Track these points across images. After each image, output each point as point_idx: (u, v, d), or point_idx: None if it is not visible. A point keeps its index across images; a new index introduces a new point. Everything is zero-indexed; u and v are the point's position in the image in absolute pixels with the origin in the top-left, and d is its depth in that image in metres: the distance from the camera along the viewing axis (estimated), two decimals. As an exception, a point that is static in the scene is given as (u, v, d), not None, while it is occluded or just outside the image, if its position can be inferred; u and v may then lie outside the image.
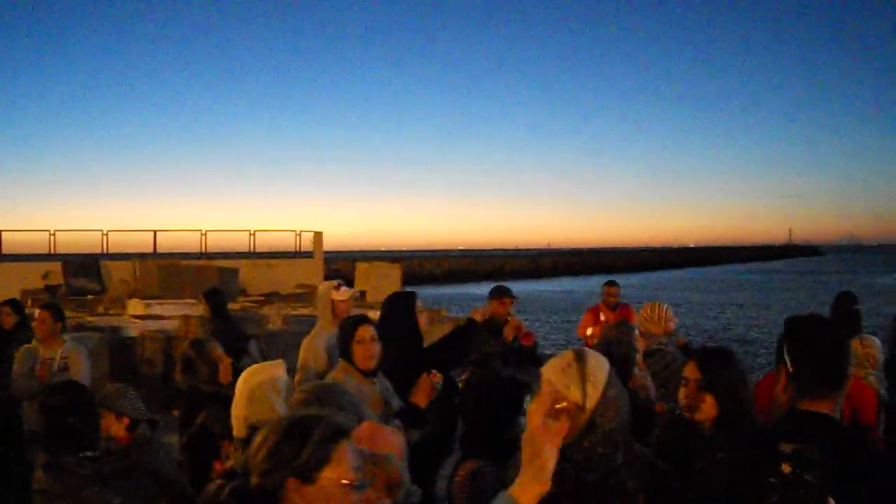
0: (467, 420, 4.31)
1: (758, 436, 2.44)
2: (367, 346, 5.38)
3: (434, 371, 5.43)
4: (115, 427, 4.82)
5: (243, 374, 4.19)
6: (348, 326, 5.48)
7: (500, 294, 8.06)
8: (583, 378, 2.84)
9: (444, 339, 6.41)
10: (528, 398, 4.11)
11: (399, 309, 6.26)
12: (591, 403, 2.81)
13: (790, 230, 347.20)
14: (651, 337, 6.24)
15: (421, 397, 5.34)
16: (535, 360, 7.72)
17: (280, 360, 4.38)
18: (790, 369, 2.83)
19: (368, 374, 5.33)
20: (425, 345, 6.25)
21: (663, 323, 6.34)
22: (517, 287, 10.62)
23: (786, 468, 1.93)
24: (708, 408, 3.77)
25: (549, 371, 2.91)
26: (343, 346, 5.45)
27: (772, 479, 1.93)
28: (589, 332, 11.06)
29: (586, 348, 3.07)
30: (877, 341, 6.58)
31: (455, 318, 15.00)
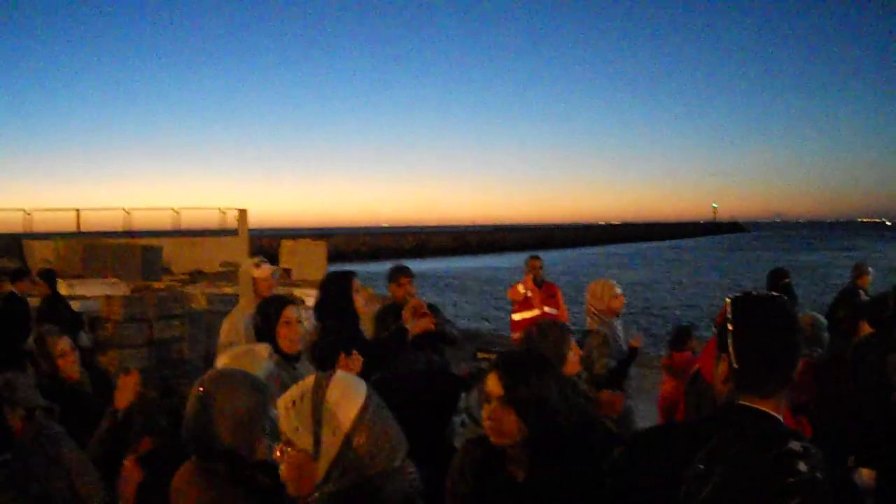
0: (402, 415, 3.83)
1: (763, 434, 2.15)
2: (294, 328, 5.18)
3: (354, 352, 5.10)
4: (14, 419, 4.30)
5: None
6: (273, 306, 5.28)
7: (395, 275, 7.65)
8: (316, 419, 2.30)
9: (383, 341, 6.12)
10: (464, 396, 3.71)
11: (336, 289, 6.10)
12: (328, 452, 2.27)
13: (715, 207, 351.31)
14: (597, 315, 6.27)
15: None
16: (447, 339, 7.23)
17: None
18: (734, 364, 2.48)
19: (291, 359, 5.09)
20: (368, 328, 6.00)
21: (606, 299, 6.27)
22: (442, 264, 10.78)
23: (801, 467, 1.87)
24: (510, 429, 3.14)
25: (279, 406, 2.39)
26: (265, 327, 5.18)
27: (791, 479, 1.84)
28: (517, 317, 11.06)
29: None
30: (823, 320, 6.67)
31: (384, 297, 15.00)
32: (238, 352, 4.11)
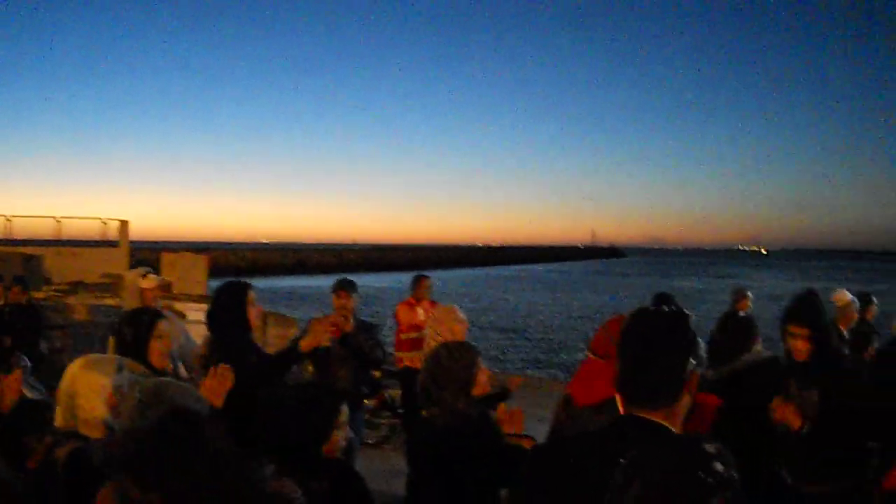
0: (274, 431, 3.63)
1: (677, 439, 2.25)
2: (166, 342, 5.07)
3: (223, 365, 4.70)
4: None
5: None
6: (145, 319, 5.10)
7: (336, 288, 7.88)
8: None
9: (276, 354, 5.95)
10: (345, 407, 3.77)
11: (230, 300, 5.83)
12: None
13: (593, 231, 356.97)
14: (437, 339, 6.00)
15: (214, 396, 4.54)
16: (374, 360, 7.58)
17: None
18: (620, 377, 2.62)
19: (159, 374, 4.69)
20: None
21: (449, 324, 6.08)
22: (323, 281, 10.97)
23: (718, 467, 1.89)
24: None
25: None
26: (136, 340, 4.98)
27: (710, 480, 1.86)
28: (405, 336, 10.75)
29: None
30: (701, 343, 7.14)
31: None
32: (93, 359, 3.85)
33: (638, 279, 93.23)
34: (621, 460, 2.01)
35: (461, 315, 6.11)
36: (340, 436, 3.66)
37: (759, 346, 5.97)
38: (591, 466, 2.45)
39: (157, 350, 4.99)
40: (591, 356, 4.37)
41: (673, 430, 2.50)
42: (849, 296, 9.70)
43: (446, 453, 4.15)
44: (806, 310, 5.51)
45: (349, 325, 7.39)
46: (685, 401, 2.56)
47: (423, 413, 4.40)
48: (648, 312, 2.71)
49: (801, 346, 5.38)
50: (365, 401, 8.84)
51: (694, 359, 2.56)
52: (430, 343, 5.92)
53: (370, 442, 10.18)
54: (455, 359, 4.39)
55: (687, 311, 2.70)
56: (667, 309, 2.72)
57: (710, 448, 1.93)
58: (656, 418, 2.51)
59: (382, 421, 10.93)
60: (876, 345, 9.59)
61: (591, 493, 2.26)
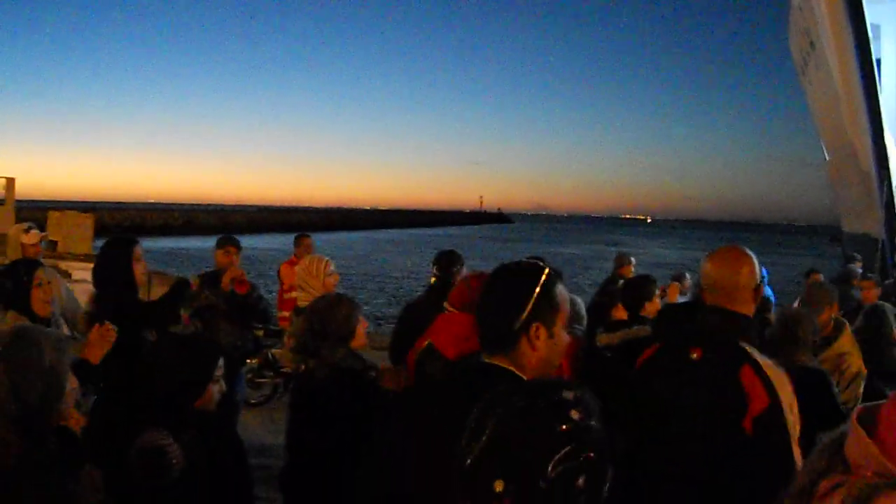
0: (151, 383, 3.65)
1: (536, 385, 2.13)
2: (47, 290, 5.18)
3: (107, 322, 4.62)
4: None
5: None
6: (22, 268, 5.19)
7: (223, 244, 7.81)
8: None
9: (163, 297, 5.99)
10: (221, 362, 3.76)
11: (115, 255, 5.75)
12: None
13: (481, 197, 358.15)
14: (310, 292, 6.09)
15: (93, 352, 4.48)
16: (259, 315, 7.66)
17: None
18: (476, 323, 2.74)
19: (42, 322, 4.92)
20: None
21: (322, 277, 6.15)
22: (208, 243, 10.56)
23: (574, 415, 1.88)
24: None
25: None
26: (16, 291, 5.12)
27: (564, 427, 1.85)
28: (288, 296, 10.49)
29: None
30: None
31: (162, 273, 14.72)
32: None
33: (523, 245, 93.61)
34: (478, 404, 2.01)
35: (331, 268, 6.17)
36: (215, 389, 3.68)
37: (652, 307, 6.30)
38: (446, 412, 2.48)
39: (38, 298, 5.09)
40: (448, 307, 4.70)
41: (522, 376, 2.59)
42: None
43: (326, 405, 4.25)
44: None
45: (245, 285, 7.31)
46: (529, 350, 2.65)
47: (303, 366, 4.45)
48: (507, 265, 2.84)
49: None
50: (248, 360, 8.91)
51: (536, 312, 2.64)
52: (301, 295, 6.03)
53: (253, 402, 10.17)
54: (335, 311, 4.47)
55: (555, 269, 2.80)
56: (520, 264, 2.85)
57: (568, 395, 1.92)
58: (502, 363, 2.63)
59: (265, 380, 10.92)
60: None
61: (447, 438, 2.26)
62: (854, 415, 2.66)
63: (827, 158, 21.65)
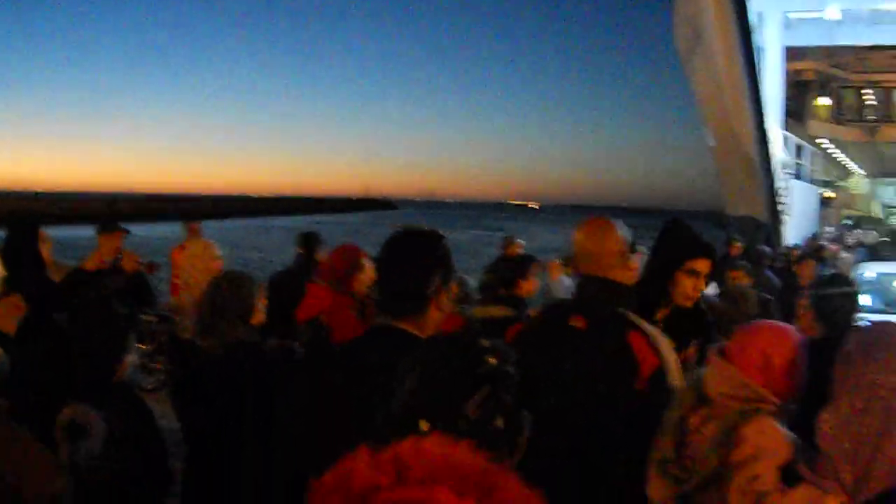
0: (69, 358, 3.72)
1: (455, 335, 2.36)
2: None
3: (15, 294, 4.84)
4: None
5: None
6: None
7: (109, 229, 7.50)
8: None
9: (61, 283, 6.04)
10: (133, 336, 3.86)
11: (22, 235, 5.78)
12: None
13: (366, 184, 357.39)
14: (195, 275, 6.04)
15: (4, 322, 4.64)
16: (149, 296, 7.75)
17: None
18: (377, 288, 2.92)
19: None
20: None
21: (206, 261, 6.06)
22: (88, 231, 10.20)
23: (492, 360, 1.98)
24: None
25: None
26: None
27: (480, 371, 1.96)
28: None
29: None
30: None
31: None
32: None
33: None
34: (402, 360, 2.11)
35: (216, 251, 6.18)
36: (130, 359, 3.75)
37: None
38: (349, 373, 2.70)
39: None
40: (316, 281, 4.94)
41: (420, 336, 2.73)
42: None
43: (227, 382, 4.26)
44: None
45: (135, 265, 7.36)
46: (435, 314, 2.85)
47: (202, 344, 4.45)
48: (402, 233, 2.99)
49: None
50: (140, 345, 8.94)
51: (442, 277, 2.84)
52: (187, 280, 6.07)
53: (148, 387, 10.06)
54: (237, 288, 4.54)
55: (441, 233, 2.98)
56: (422, 231, 3.02)
57: (484, 343, 2.04)
58: (406, 327, 2.78)
59: (158, 366, 10.84)
60: None
61: (352, 397, 2.56)
62: (712, 351, 3.03)
63: (712, 144, 22.15)
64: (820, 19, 25.77)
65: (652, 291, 4.14)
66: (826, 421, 2.55)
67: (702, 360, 3.46)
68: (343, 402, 2.64)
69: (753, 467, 2.73)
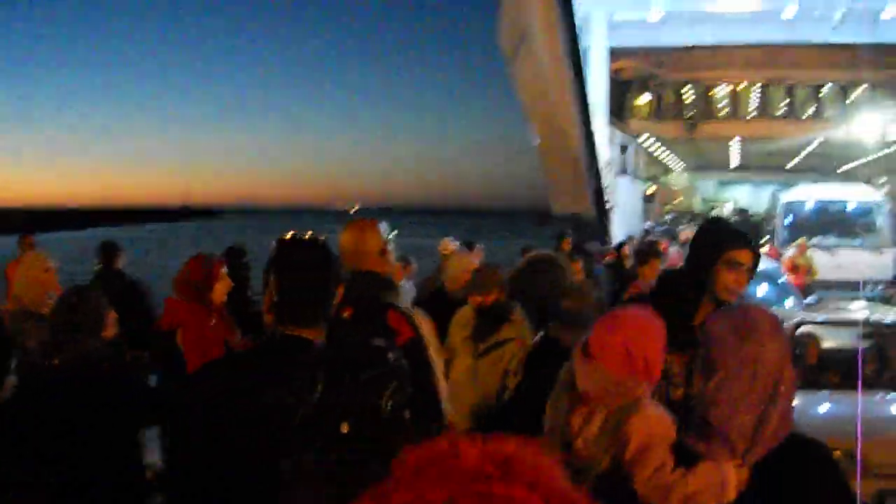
0: None
1: (350, 341, 2.54)
2: None
3: None
4: None
5: None
6: None
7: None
8: None
9: None
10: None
11: None
12: None
13: (186, 191, 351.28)
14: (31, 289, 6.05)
15: None
16: None
17: None
18: (274, 299, 2.88)
19: None
20: None
21: (40, 274, 6.03)
22: None
23: (391, 356, 2.12)
24: None
25: None
26: None
27: (386, 368, 2.07)
28: None
29: None
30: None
31: None
32: None
33: (237, 237, 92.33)
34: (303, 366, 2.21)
35: (49, 263, 6.12)
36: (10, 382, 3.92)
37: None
38: (247, 383, 2.73)
39: None
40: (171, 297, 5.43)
41: (317, 344, 2.81)
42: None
43: (85, 397, 4.10)
44: None
45: None
46: (324, 322, 2.94)
47: (55, 361, 4.26)
48: (292, 242, 3.09)
49: None
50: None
51: (335, 285, 2.98)
52: (19, 293, 5.95)
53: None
54: (87, 301, 4.45)
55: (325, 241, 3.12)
56: (307, 239, 3.13)
57: (379, 342, 2.19)
58: (307, 335, 2.84)
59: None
60: None
61: (253, 408, 2.59)
62: (577, 348, 3.06)
63: (536, 143, 22.51)
64: (643, 21, 26.57)
65: (690, 287, 3.87)
66: (722, 399, 2.64)
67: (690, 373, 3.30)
68: (249, 411, 2.63)
69: (651, 458, 2.80)
